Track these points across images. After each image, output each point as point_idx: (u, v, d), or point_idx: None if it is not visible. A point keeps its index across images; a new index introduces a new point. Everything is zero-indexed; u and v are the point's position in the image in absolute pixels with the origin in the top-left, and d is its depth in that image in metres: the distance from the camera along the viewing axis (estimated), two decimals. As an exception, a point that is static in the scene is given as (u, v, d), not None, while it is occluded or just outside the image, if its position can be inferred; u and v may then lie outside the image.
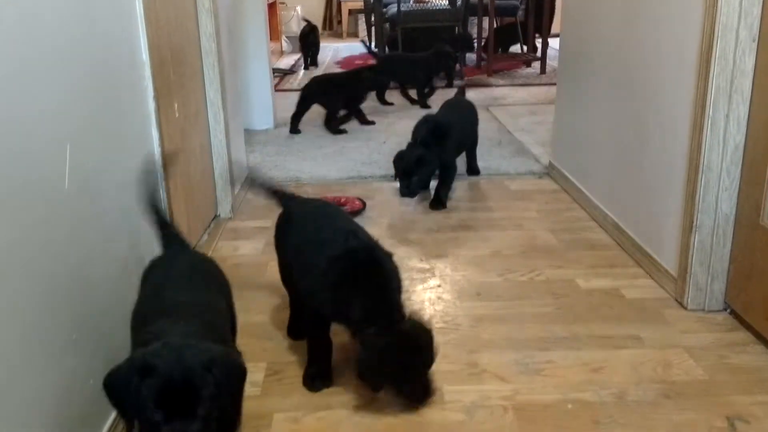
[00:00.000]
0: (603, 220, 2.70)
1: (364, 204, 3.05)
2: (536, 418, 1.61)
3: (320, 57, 7.45)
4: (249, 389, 1.76)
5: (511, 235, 2.70)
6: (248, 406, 1.68)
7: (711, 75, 1.88)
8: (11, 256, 1.16)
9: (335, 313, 1.69)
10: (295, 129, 4.38)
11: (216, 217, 2.94)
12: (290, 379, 1.81)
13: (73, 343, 1.38)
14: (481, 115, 3.71)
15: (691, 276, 2.03)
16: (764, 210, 1.85)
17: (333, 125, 4.38)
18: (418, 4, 6.58)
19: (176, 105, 2.37)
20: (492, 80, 6.07)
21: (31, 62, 1.26)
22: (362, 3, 8.32)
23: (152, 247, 1.90)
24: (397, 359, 1.57)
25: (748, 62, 1.86)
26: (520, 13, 6.96)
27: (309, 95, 4.43)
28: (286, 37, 8.05)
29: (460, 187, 3.32)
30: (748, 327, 1.94)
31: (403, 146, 3.11)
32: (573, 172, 3.12)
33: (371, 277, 1.63)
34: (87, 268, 1.48)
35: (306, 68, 6.98)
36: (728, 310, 2.03)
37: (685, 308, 2.05)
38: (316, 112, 5.10)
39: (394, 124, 4.55)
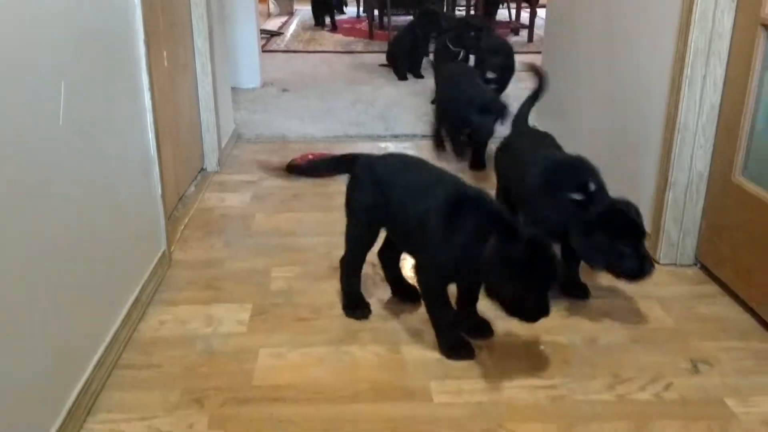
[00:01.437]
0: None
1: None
2: (510, 356, 1.69)
3: (308, 19, 7.41)
4: (235, 327, 1.83)
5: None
6: (234, 342, 1.76)
7: (690, 37, 1.93)
8: (7, 194, 1.20)
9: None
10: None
11: (203, 170, 2.97)
12: (275, 318, 1.87)
13: (73, 279, 1.42)
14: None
15: (664, 232, 2.10)
16: (736, 167, 1.92)
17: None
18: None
19: (165, 53, 2.39)
20: (480, 48, 6.07)
21: (25, 2, 1.28)
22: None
23: (142, 180, 1.95)
24: (525, 270, 1.48)
25: (727, 24, 1.91)
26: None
27: None
28: (274, -1, 7.98)
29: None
30: (717, 280, 2.02)
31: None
32: (557, 136, 3.16)
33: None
34: (83, 206, 1.51)
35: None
36: (698, 265, 2.12)
37: (658, 263, 2.13)
38: (307, 74, 5.11)
39: (382, 87, 4.57)
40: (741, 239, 1.90)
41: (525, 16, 6.81)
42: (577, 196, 1.78)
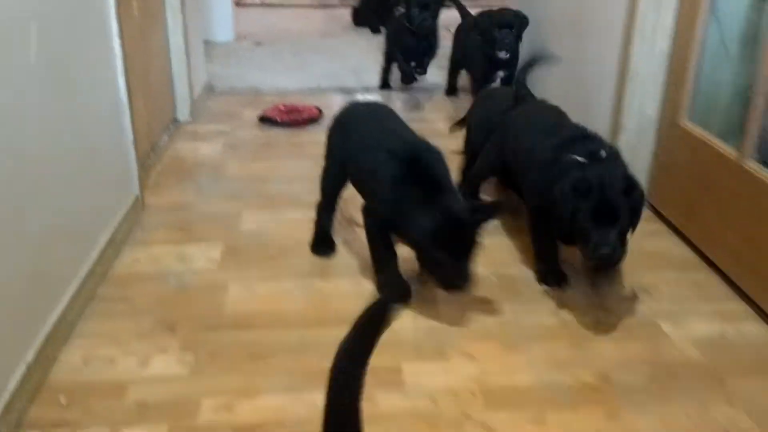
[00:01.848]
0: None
1: (321, 112, 3.15)
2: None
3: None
4: (207, 264, 1.92)
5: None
6: (206, 278, 1.85)
7: (642, -15, 2.01)
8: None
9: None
10: None
11: (175, 120, 3.02)
12: (245, 256, 1.96)
13: (45, 212, 1.50)
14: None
15: (616, 174, 2.21)
16: (683, 111, 2.02)
17: None
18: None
19: (135, 3, 2.42)
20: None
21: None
22: None
23: (113, 124, 2.01)
24: (441, 241, 1.56)
25: (677, -27, 1.99)
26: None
27: None
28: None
29: (419, 99, 3.45)
30: (665, 220, 2.15)
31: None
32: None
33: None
34: (55, 142, 1.57)
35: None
36: (648, 205, 2.23)
37: (610, 204, 2.24)
38: (281, 28, 5.11)
39: (355, 41, 4.61)
40: (686, 180, 2.02)
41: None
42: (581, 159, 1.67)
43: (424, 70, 3.38)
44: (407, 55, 3.34)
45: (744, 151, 1.74)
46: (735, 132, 1.83)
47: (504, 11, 3.03)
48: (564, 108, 2.66)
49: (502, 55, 2.96)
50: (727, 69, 2.15)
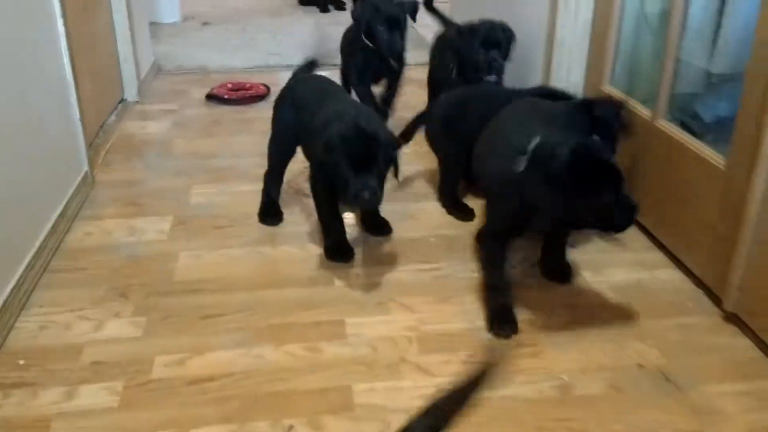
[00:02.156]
0: (485, 100, 2.98)
1: (268, 89, 3.21)
2: (405, 247, 1.92)
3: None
4: (157, 236, 1.99)
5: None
6: (157, 248, 1.93)
7: (564, -43, 2.13)
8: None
9: None
10: None
11: (123, 100, 3.05)
12: (194, 228, 2.04)
13: (-12, 182, 1.55)
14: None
15: (547, 139, 2.34)
16: (605, 77, 2.16)
17: None
18: None
19: (76, -17, 2.44)
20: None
21: None
22: None
23: (60, 103, 2.05)
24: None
25: (596, -56, 2.11)
26: None
27: None
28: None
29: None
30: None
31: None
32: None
33: None
34: (2, 121, 1.63)
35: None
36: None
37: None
38: (229, 7, 5.12)
39: (302, 19, 4.65)
40: (609, 141, 2.16)
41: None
42: None
43: (389, 105, 2.67)
44: (366, 77, 2.62)
45: (657, 112, 1.88)
46: (653, 96, 1.97)
47: (490, 26, 2.31)
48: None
49: (492, 79, 2.33)
50: (647, 38, 2.30)
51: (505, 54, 2.31)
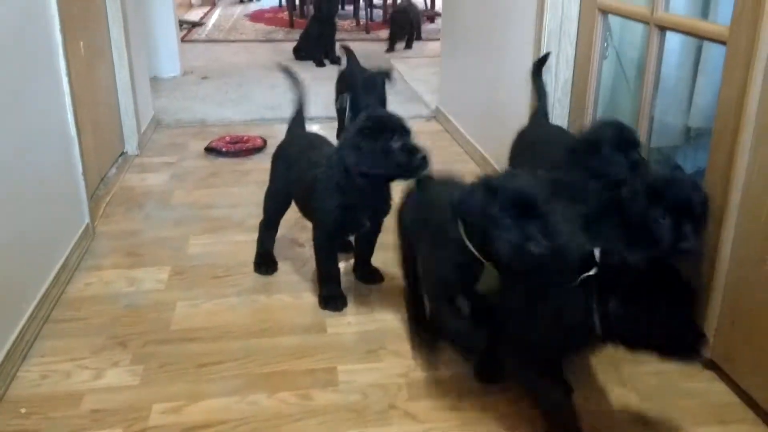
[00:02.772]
0: (474, 153, 3.10)
1: (265, 142, 3.32)
2: (394, 295, 1.98)
3: (230, 10, 7.56)
4: (155, 285, 2.05)
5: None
6: (154, 297, 1.99)
7: (544, 21, 2.26)
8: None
9: None
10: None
11: (123, 153, 3.14)
12: (191, 277, 2.10)
13: (-4, 235, 1.62)
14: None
15: (533, 190, 2.43)
16: (586, 132, 2.26)
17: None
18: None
19: (81, 43, 2.56)
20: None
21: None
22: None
23: (63, 158, 2.14)
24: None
25: (574, 9, 2.24)
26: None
27: None
28: (195, -11, 8.04)
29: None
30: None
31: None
32: (453, 115, 3.50)
33: None
34: (6, 171, 1.70)
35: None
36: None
37: (528, 217, 2.46)
38: (227, 62, 5.27)
39: (299, 73, 4.79)
40: (591, 192, 2.25)
41: (440, 3, 7.14)
42: None
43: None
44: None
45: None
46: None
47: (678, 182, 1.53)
48: (485, 126, 2.91)
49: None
50: (626, 94, 2.42)
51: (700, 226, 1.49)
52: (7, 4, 1.78)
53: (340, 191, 1.79)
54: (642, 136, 1.96)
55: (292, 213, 2.15)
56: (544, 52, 2.28)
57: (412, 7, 5.94)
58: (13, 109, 1.77)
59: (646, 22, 1.91)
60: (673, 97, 2.37)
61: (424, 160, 1.71)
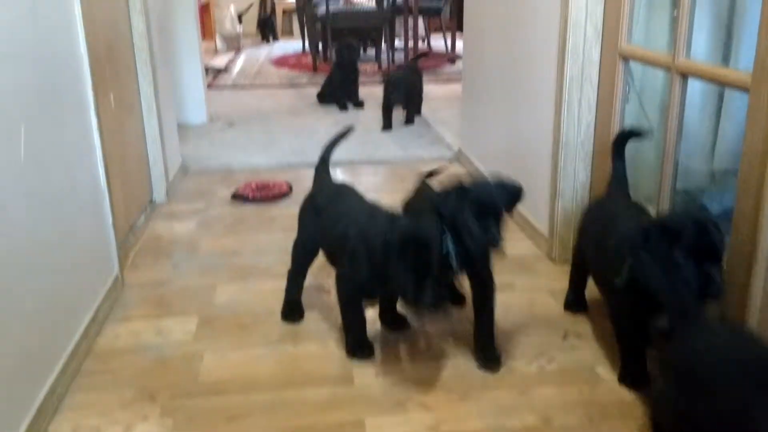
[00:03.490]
0: (498, 194, 3.10)
1: (290, 188, 3.36)
2: (420, 343, 1.98)
3: (255, 55, 7.75)
4: (183, 336, 2.07)
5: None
6: (182, 348, 2.00)
7: (566, 66, 2.28)
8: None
9: None
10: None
11: (151, 201, 3.20)
12: (219, 327, 2.12)
13: (34, 296, 1.66)
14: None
15: (557, 235, 2.43)
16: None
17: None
18: (346, 5, 6.91)
19: (112, 96, 2.64)
20: (417, 77, 6.45)
21: (-10, 55, 1.54)
22: (295, 3, 8.62)
23: (93, 210, 2.18)
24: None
25: (595, 54, 2.26)
26: (445, 12, 7.40)
27: None
28: (220, 35, 8.25)
29: (379, 172, 3.68)
30: (603, 274, 2.35)
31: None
32: (476, 156, 3.52)
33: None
34: (39, 231, 1.75)
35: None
36: (589, 261, 2.44)
37: (554, 262, 2.45)
38: (252, 108, 5.38)
39: (323, 118, 4.88)
40: (618, 236, 2.23)
41: (461, 45, 7.23)
42: None
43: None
44: None
45: (660, 209, 1.97)
46: (657, 194, 2.06)
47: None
48: (508, 169, 2.92)
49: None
50: (648, 138, 2.41)
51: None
52: (43, 63, 1.85)
53: (373, 260, 1.77)
54: (666, 180, 1.95)
55: (320, 260, 2.16)
56: (566, 98, 2.29)
57: (412, 72, 4.84)
58: (46, 164, 1.83)
59: (668, 69, 1.92)
60: (696, 141, 2.37)
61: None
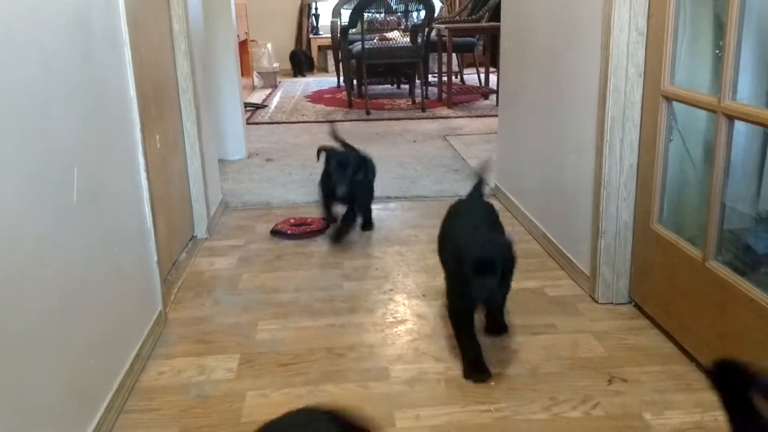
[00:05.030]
0: (535, 232, 3.08)
1: (328, 224, 3.38)
2: (463, 386, 1.95)
3: (291, 91, 7.88)
4: (225, 374, 2.08)
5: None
6: (224, 387, 2.01)
7: (607, 106, 2.27)
8: (33, 255, 1.49)
9: None
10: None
11: (193, 237, 3.25)
12: (260, 365, 2.13)
13: (82, 335, 1.69)
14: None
15: (600, 275, 2.40)
16: (653, 216, 2.23)
17: None
18: (381, 42, 7.01)
19: (157, 136, 2.71)
20: (452, 112, 6.49)
21: (49, 105, 1.60)
22: (330, 40, 8.78)
23: (139, 248, 2.23)
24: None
25: (637, 94, 2.25)
26: (479, 48, 7.46)
27: None
28: (258, 72, 8.43)
29: (414, 210, 3.69)
30: (647, 315, 2.31)
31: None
32: (513, 193, 3.51)
33: None
34: (88, 267, 1.79)
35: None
36: (632, 303, 2.40)
37: (597, 302, 2.42)
38: (289, 143, 5.45)
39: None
40: (660, 277, 2.20)
41: (494, 80, 7.27)
42: None
43: None
44: None
45: (707, 252, 1.94)
46: (701, 234, 2.03)
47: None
48: (547, 206, 2.91)
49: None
50: (692, 176, 2.39)
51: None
52: (95, 106, 1.91)
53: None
54: (713, 221, 1.93)
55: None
56: (608, 138, 2.29)
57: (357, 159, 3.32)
58: (97, 205, 1.88)
59: (713, 111, 1.91)
60: (741, 181, 2.33)
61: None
